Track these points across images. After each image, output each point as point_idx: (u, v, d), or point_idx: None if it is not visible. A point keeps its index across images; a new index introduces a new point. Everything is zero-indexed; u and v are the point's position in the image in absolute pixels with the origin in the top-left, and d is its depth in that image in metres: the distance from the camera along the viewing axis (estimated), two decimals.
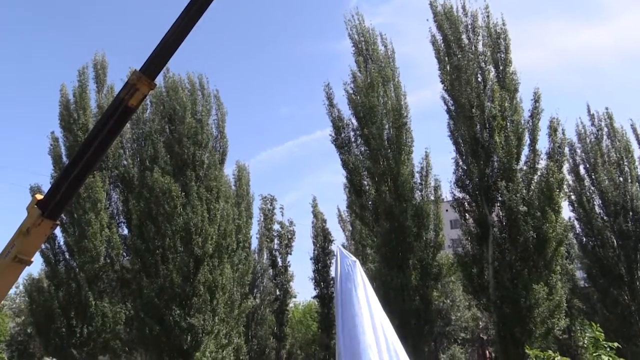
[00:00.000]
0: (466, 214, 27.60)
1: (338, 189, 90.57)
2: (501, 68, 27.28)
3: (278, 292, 40.87)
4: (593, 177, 31.68)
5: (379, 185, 28.60)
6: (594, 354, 14.79)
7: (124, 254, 30.65)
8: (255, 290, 38.50)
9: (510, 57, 27.46)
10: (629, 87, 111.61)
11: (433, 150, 54.47)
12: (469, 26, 28.16)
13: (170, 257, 26.52)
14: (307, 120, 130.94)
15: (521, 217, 24.97)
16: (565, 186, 27.96)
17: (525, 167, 26.54)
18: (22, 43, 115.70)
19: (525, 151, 26.64)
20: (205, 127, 29.33)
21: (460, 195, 27.50)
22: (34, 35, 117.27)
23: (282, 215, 43.40)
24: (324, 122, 41.41)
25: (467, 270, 26.85)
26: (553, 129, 27.13)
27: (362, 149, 29.83)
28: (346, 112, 30.45)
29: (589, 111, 33.42)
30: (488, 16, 28.06)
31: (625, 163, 31.92)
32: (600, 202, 31.37)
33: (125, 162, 31.80)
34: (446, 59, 28.11)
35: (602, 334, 15.49)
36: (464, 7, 28.46)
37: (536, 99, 27.20)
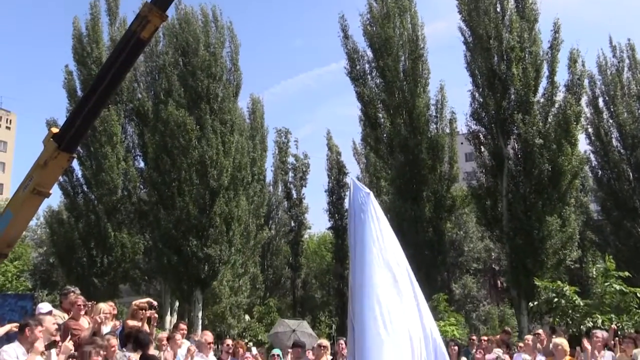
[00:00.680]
0: (481, 147, 27.52)
1: (353, 121, 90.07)
2: None
3: (293, 224, 41.39)
4: (612, 109, 31.19)
5: (394, 117, 28.45)
6: (605, 284, 15.08)
7: (141, 186, 31.08)
8: (270, 222, 39.04)
9: None
10: None
11: (448, 83, 53.67)
12: None
13: (186, 190, 26.85)
14: (321, 53, 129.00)
15: (537, 150, 24.85)
16: (582, 119, 27.59)
17: (542, 100, 26.22)
18: None
19: (543, 83, 26.31)
20: (219, 59, 29.05)
21: (475, 127, 27.38)
22: None
23: (297, 148, 43.42)
24: (339, 54, 40.77)
25: (481, 203, 27.00)
26: (573, 60, 26.62)
27: (378, 81, 29.55)
28: (361, 44, 30.02)
29: (610, 42, 32.65)
30: None
31: None
32: (617, 134, 31.02)
33: (139, 96, 31.80)
34: None
35: (614, 264, 15.71)
36: None
37: (556, 30, 26.60)
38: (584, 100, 28.33)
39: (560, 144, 24.74)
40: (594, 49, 42.17)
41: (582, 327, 13.59)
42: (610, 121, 31.35)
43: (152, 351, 7.83)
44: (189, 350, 8.67)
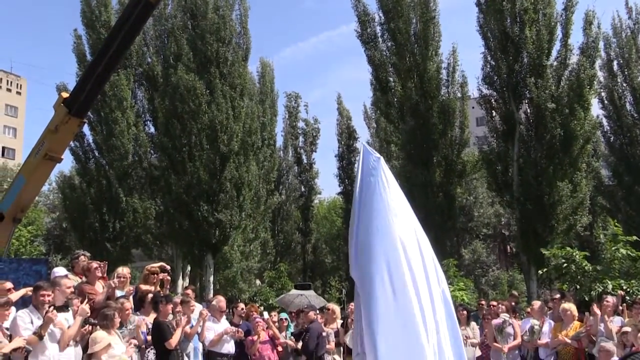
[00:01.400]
0: (493, 111, 27.25)
1: (363, 85, 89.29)
2: None
3: (303, 189, 41.52)
4: (626, 73, 30.68)
5: (405, 81, 28.19)
6: (613, 248, 15.06)
7: (152, 151, 31.18)
8: (280, 187, 39.18)
9: None
10: None
11: (460, 47, 52.85)
12: None
13: (196, 155, 26.88)
14: (331, 15, 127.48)
15: (549, 114, 24.56)
16: (595, 83, 27.19)
17: (555, 63, 25.80)
18: None
19: (556, 46, 25.80)
20: (228, 22, 28.74)
21: (487, 91, 27.03)
22: None
23: (307, 113, 43.40)
24: (349, 16, 40.15)
25: (492, 168, 26.85)
26: (588, 22, 26.12)
27: (389, 44, 29.19)
28: (372, 6, 29.62)
29: (626, 4, 31.88)
30: None
31: None
32: (631, 99, 30.56)
33: (149, 60, 31.66)
34: None
35: (620, 229, 15.66)
36: None
37: None
38: (597, 63, 27.91)
39: (573, 109, 24.43)
40: (610, 11, 41.34)
41: (592, 292, 13.59)
42: (624, 85, 30.89)
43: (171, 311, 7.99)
44: (201, 314, 8.79)
